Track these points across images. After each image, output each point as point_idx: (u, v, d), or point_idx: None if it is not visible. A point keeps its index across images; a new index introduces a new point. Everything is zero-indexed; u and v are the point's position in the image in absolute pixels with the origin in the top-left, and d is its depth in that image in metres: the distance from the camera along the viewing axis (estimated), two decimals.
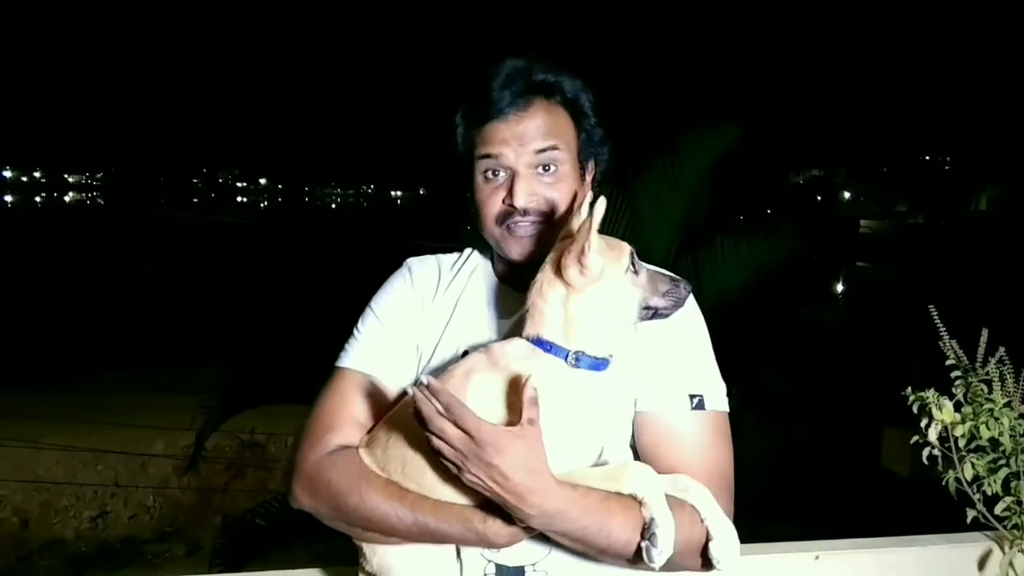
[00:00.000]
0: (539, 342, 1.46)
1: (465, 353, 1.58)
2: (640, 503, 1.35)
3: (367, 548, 1.51)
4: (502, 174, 1.54)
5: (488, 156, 1.54)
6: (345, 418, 1.54)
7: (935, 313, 2.02)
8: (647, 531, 1.33)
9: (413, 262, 1.72)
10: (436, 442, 1.30)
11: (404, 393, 1.56)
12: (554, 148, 1.54)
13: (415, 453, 1.44)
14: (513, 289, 1.63)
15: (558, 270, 1.45)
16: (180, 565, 8.50)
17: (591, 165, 1.65)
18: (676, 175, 6.04)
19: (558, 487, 1.32)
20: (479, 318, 1.63)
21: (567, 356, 1.43)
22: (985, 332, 1.98)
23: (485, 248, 1.73)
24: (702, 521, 1.39)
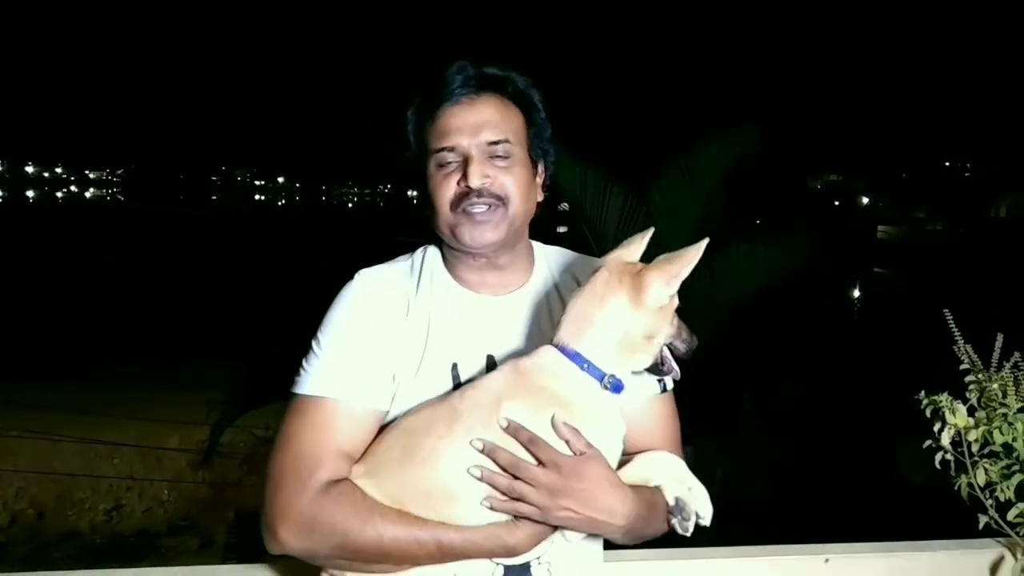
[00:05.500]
0: (576, 356, 1.42)
1: (492, 365, 1.55)
2: (661, 488, 1.52)
3: None
4: (455, 161, 1.54)
5: (442, 149, 1.54)
6: (330, 451, 1.44)
7: (950, 317, 2.02)
8: (675, 510, 1.50)
9: (370, 276, 1.62)
10: (520, 487, 1.37)
11: (386, 419, 1.52)
12: (506, 141, 1.55)
13: (442, 486, 1.40)
14: (476, 292, 1.63)
15: (628, 283, 1.42)
16: (193, 559, 8.53)
17: (541, 167, 1.66)
18: (692, 177, 6.02)
19: (633, 493, 1.44)
20: (457, 332, 1.57)
21: (603, 378, 1.43)
22: (1000, 337, 1.97)
23: (436, 249, 1.70)
24: (689, 490, 1.52)
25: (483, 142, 1.54)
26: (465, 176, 1.52)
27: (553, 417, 1.39)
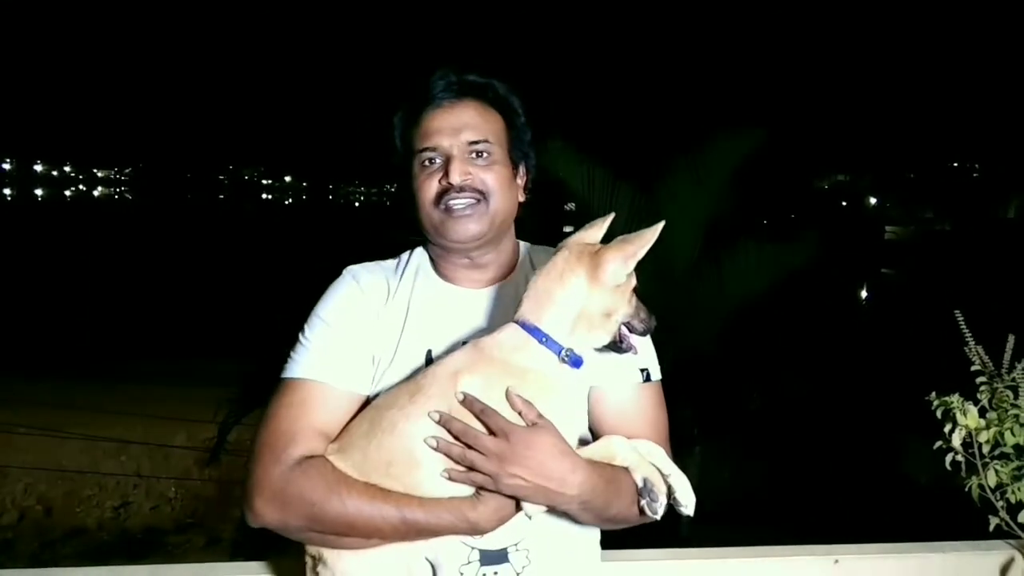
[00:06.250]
0: (535, 331, 1.47)
1: (464, 343, 1.59)
2: (629, 469, 1.51)
3: (331, 555, 1.49)
4: (438, 160, 1.62)
5: (425, 149, 1.62)
6: (306, 429, 1.52)
7: (961, 319, 2.01)
8: (644, 491, 1.49)
9: (356, 270, 1.71)
10: (472, 456, 1.41)
11: (366, 399, 1.60)
12: (486, 141, 1.63)
13: (402, 453, 1.45)
14: (456, 285, 1.69)
15: (586, 261, 1.47)
16: (200, 556, 8.56)
17: (522, 169, 1.74)
18: (700, 177, 6.02)
19: (586, 464, 1.45)
20: (434, 321, 1.64)
21: (561, 352, 1.47)
22: (1011, 338, 1.96)
23: (424, 249, 1.77)
24: (666, 478, 1.53)
25: (464, 142, 1.62)
26: (447, 174, 1.60)
27: (508, 389, 1.44)
